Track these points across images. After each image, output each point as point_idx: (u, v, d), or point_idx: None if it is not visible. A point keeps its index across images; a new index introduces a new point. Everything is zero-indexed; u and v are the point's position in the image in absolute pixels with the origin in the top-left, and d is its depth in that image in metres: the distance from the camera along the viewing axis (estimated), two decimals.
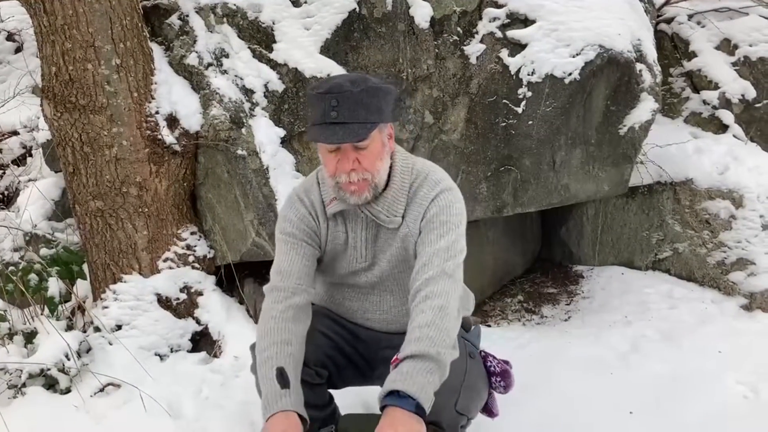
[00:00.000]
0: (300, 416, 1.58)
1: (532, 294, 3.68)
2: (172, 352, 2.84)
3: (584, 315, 3.37)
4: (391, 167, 1.77)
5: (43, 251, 2.93)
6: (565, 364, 2.75)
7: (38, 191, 3.51)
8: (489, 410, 1.89)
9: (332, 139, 1.63)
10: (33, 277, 2.78)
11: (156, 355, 2.79)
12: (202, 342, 2.98)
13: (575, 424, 2.31)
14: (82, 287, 3.11)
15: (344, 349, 1.90)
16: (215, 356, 2.88)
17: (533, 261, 4.01)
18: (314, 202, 1.84)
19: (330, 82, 1.66)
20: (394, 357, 1.58)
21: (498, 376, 1.85)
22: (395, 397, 1.47)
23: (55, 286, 2.79)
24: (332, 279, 1.91)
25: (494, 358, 1.89)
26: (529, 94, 3.03)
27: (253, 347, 1.84)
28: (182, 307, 2.95)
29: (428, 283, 1.65)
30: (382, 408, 1.49)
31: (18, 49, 5.02)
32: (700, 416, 2.33)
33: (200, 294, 3.00)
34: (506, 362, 1.89)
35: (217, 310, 2.99)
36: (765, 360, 2.68)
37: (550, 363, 2.75)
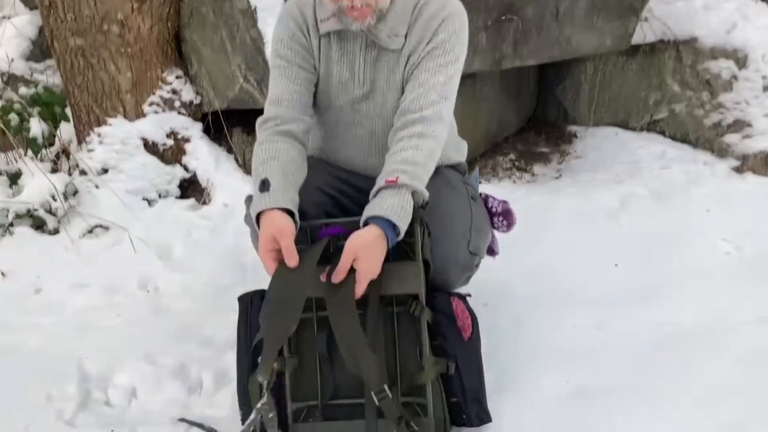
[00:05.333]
0: (287, 211, 1.51)
1: (524, 153, 3.63)
2: (160, 197, 2.83)
3: (575, 174, 3.35)
4: None
5: (23, 91, 2.82)
6: (553, 219, 2.76)
7: (14, 28, 3.33)
8: (490, 249, 1.91)
9: None
10: (13, 117, 2.69)
11: (144, 199, 2.77)
12: (191, 189, 2.96)
13: (561, 273, 2.34)
14: (66, 131, 3.04)
15: (345, 205, 1.80)
16: (204, 203, 2.87)
17: (527, 121, 3.94)
18: (307, 17, 1.71)
19: None
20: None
21: (500, 215, 1.86)
22: (375, 218, 1.48)
23: (36, 126, 2.72)
24: (328, 113, 1.80)
25: (494, 198, 1.88)
26: None
27: (248, 198, 1.79)
28: (169, 152, 2.90)
29: (425, 121, 1.60)
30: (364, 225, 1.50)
31: None
32: (682, 269, 2.36)
33: (187, 140, 2.94)
34: (505, 202, 1.89)
35: (205, 157, 2.95)
36: (751, 220, 2.69)
37: (539, 218, 2.75)
